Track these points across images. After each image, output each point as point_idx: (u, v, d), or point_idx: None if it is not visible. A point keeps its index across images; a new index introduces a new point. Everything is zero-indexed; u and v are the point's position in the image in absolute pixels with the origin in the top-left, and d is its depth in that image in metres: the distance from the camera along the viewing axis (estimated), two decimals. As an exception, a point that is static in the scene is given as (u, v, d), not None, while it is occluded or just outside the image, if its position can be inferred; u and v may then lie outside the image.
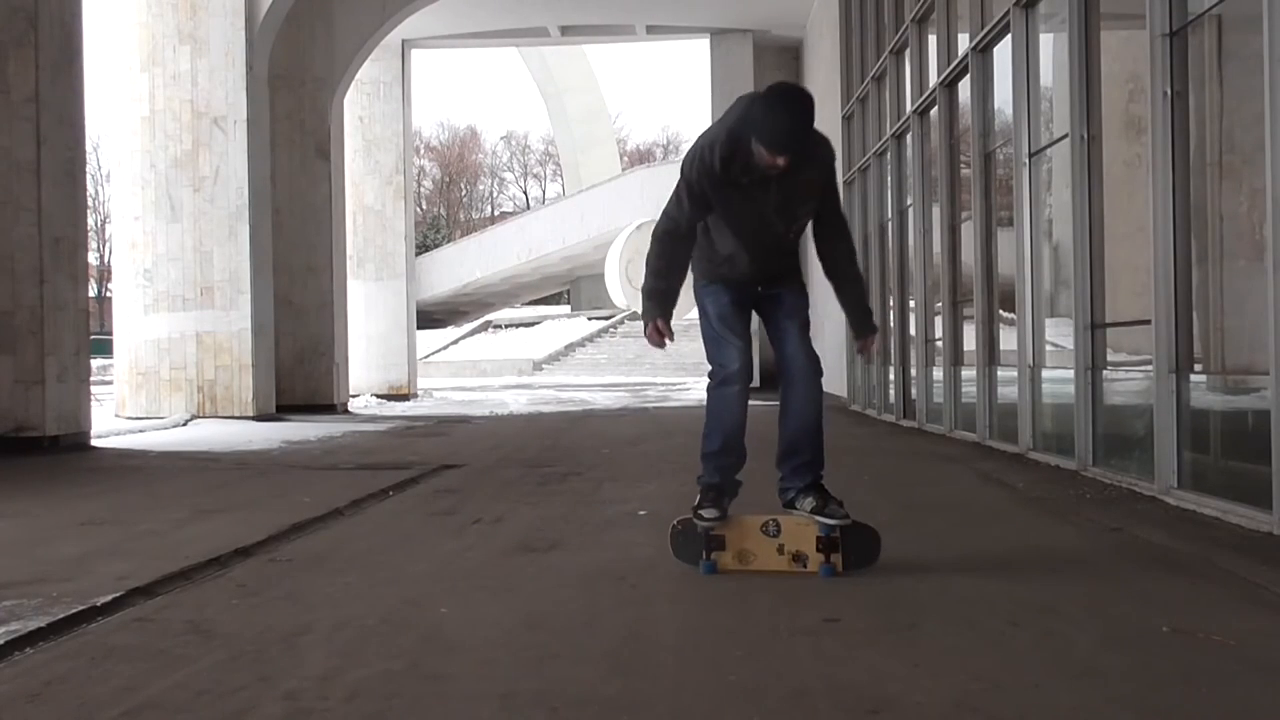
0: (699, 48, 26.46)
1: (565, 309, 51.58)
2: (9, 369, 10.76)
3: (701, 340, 4.60)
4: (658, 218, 4.45)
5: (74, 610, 3.80)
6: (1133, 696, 2.83)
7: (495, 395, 24.96)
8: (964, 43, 10.31)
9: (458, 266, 48.46)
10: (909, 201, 13.18)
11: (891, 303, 14.64)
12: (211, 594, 4.19)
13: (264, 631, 3.58)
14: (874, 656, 3.20)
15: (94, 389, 12.21)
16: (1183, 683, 2.94)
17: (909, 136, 12.92)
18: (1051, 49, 8.54)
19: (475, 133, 76.65)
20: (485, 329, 46.03)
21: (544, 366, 38.34)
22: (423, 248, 49.35)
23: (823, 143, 4.32)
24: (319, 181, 18.51)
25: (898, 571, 4.29)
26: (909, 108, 12.64)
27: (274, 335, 16.73)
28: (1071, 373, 7.61)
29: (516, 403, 21.09)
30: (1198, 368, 6.19)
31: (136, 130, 16.13)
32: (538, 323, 46.40)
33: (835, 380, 17.94)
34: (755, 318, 4.60)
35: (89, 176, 19.32)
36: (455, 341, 43.65)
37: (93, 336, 13.07)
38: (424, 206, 67.73)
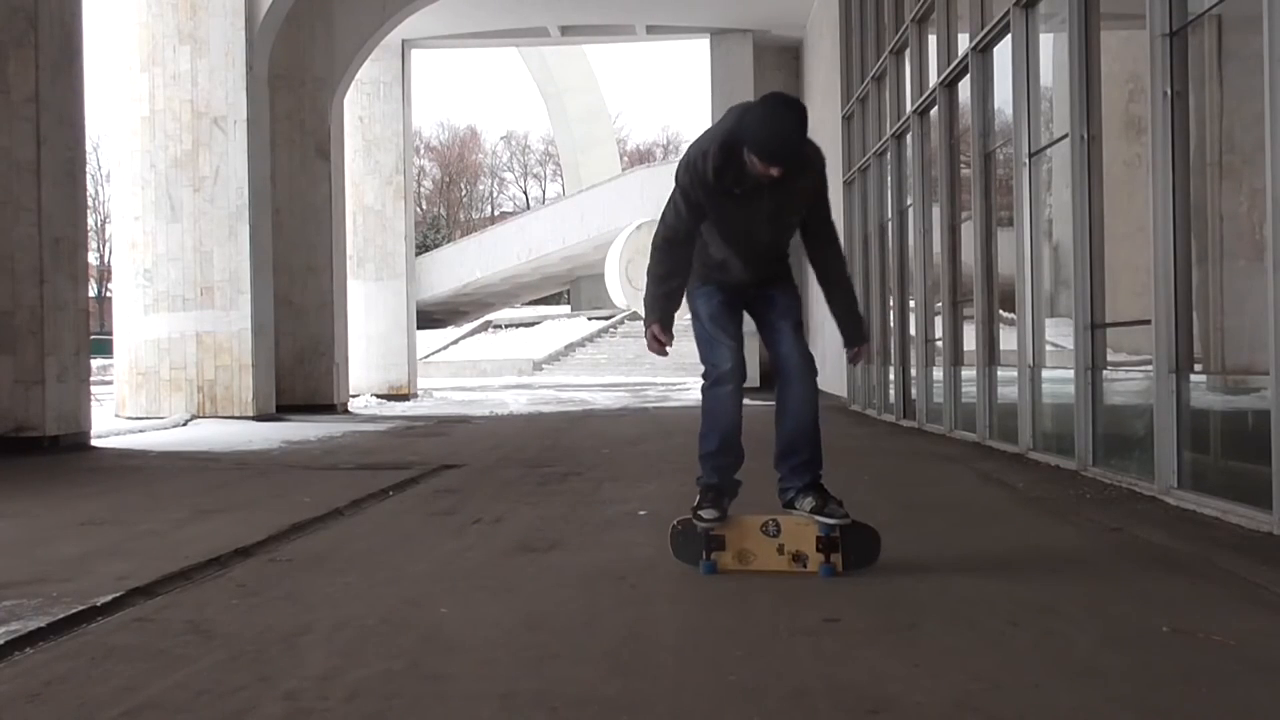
0: (699, 48, 26.49)
1: (565, 309, 51.57)
2: (9, 369, 10.77)
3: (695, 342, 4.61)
4: (656, 225, 4.46)
5: (74, 610, 3.80)
6: (1133, 696, 2.83)
7: (495, 395, 24.96)
8: (964, 43, 10.31)
9: (458, 266, 48.46)
10: (909, 201, 13.18)
11: (891, 303, 14.64)
12: (211, 594, 4.19)
13: (264, 631, 3.58)
14: (874, 656, 3.20)
15: (94, 389, 12.21)
16: (1183, 683, 2.94)
17: (909, 136, 12.92)
18: (1051, 49, 8.54)
19: (475, 133, 76.76)
20: (485, 329, 46.01)
21: (544, 366, 38.33)
22: (423, 248, 49.36)
23: (814, 150, 4.35)
24: (319, 181, 18.51)
25: (898, 571, 4.29)
26: (909, 108, 12.64)
27: (274, 335, 16.74)
28: (1071, 373, 7.62)
29: (516, 403, 21.08)
30: (1198, 368, 6.19)
31: (136, 130, 16.13)
32: (538, 323, 46.38)
33: (835, 380, 17.95)
34: (748, 320, 4.61)
35: (89, 176, 19.35)
36: (455, 341, 43.64)
37: (93, 336, 13.08)
38: (424, 206, 67.74)
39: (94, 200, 51.84)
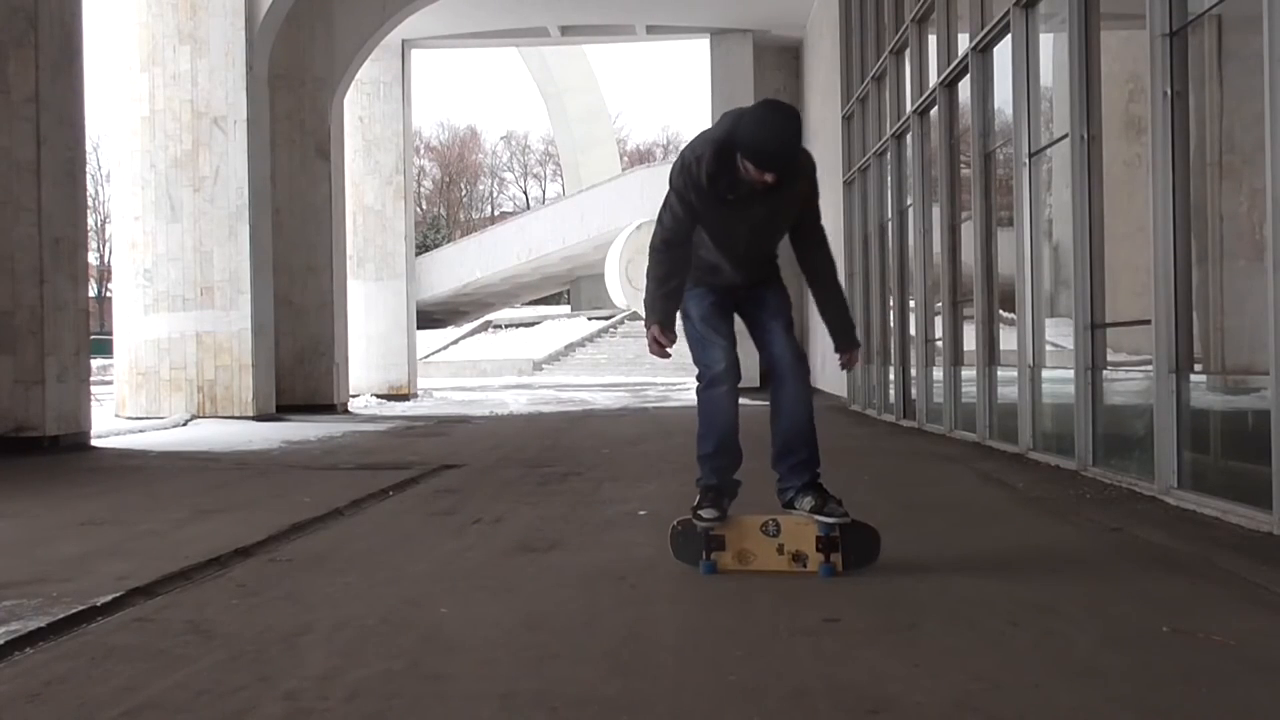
0: (699, 48, 26.49)
1: (565, 309, 51.57)
2: (9, 369, 10.77)
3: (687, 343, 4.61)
4: (653, 228, 4.47)
5: (74, 610, 3.80)
6: (1133, 696, 2.83)
7: (495, 395, 24.96)
8: (964, 43, 10.31)
9: (458, 266, 48.46)
10: (909, 201, 13.18)
11: (891, 303, 14.64)
12: (211, 594, 4.19)
13: (264, 631, 3.58)
14: (874, 656, 3.20)
15: (94, 389, 12.21)
16: (1183, 683, 2.94)
17: (909, 136, 12.92)
18: (1051, 49, 8.54)
19: (475, 133, 76.76)
20: (485, 329, 46.02)
21: (544, 366, 38.33)
22: (423, 248, 49.36)
23: (806, 157, 4.37)
24: (319, 181, 18.52)
25: (898, 571, 4.29)
26: (909, 108, 12.64)
27: (274, 335, 16.74)
28: (1071, 373, 7.61)
29: (516, 403, 21.09)
30: (1198, 368, 6.19)
31: (136, 130, 16.13)
32: (538, 323, 46.38)
33: (835, 380, 17.96)
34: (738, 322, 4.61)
35: (89, 176, 19.33)
36: (455, 341, 43.64)
37: (93, 336, 13.07)
38: (424, 206, 67.74)
39: (94, 200, 51.85)
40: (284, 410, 16.66)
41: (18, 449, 10.48)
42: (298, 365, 18.09)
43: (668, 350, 4.43)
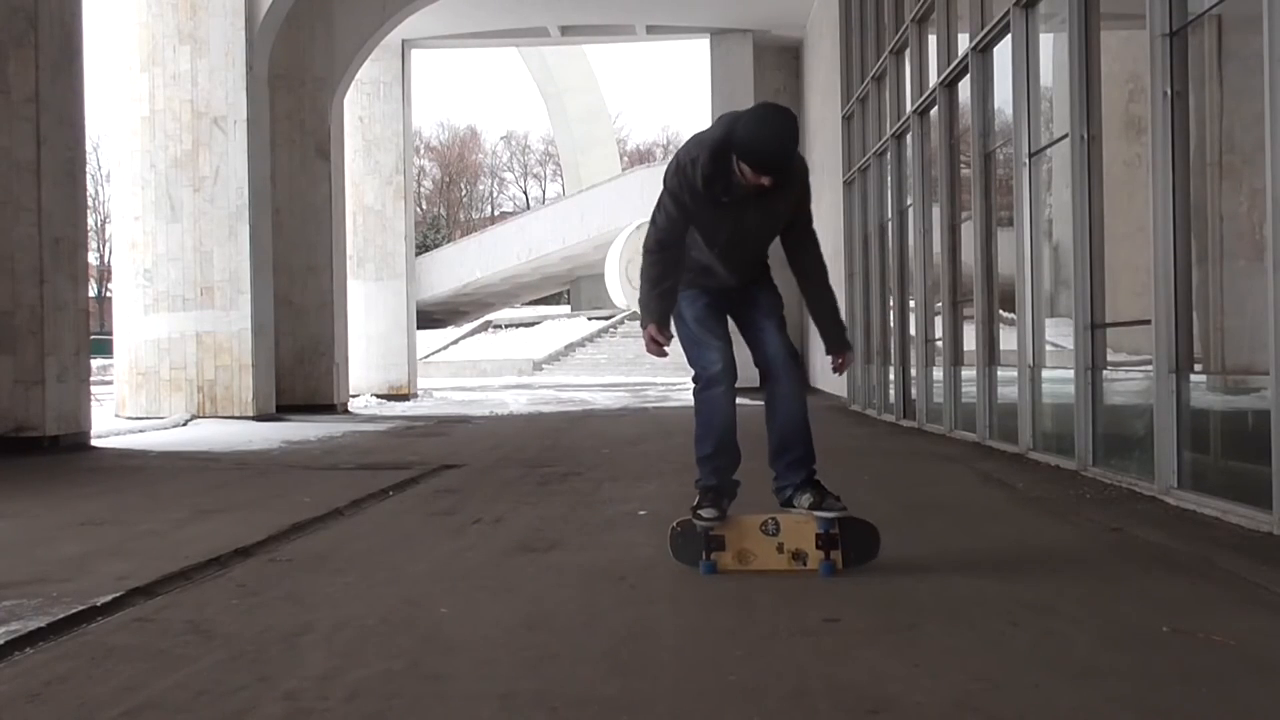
0: (699, 48, 26.48)
1: (565, 309, 51.59)
2: (9, 369, 10.77)
3: (682, 346, 4.62)
4: (647, 230, 4.48)
5: (74, 610, 3.80)
6: (1133, 696, 2.83)
7: (495, 395, 24.96)
8: (964, 43, 10.31)
9: (458, 266, 48.47)
10: (909, 201, 13.17)
11: (891, 302, 14.64)
12: (211, 594, 4.19)
13: (264, 631, 3.58)
14: (874, 656, 3.20)
15: (94, 389, 12.21)
16: (1183, 683, 2.94)
17: (909, 136, 12.92)
18: (1051, 49, 8.54)
19: (475, 133, 76.79)
20: (485, 329, 46.03)
21: (544, 366, 38.34)
22: (423, 248, 49.36)
23: (800, 161, 4.38)
24: (319, 181, 18.52)
25: (898, 571, 4.29)
26: (909, 108, 12.64)
27: (274, 335, 16.74)
28: (1071, 373, 7.61)
29: (516, 403, 21.09)
30: (1198, 368, 6.19)
31: (136, 130, 16.13)
32: (538, 323, 46.39)
33: (835, 380, 17.95)
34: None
35: (89, 176, 19.34)
36: (455, 341, 43.65)
37: (93, 336, 13.08)
38: (424, 206, 67.74)
39: (94, 200, 51.85)
40: (284, 410, 16.66)
41: (18, 449, 10.48)
42: (298, 365, 18.09)
43: (665, 349, 4.43)
